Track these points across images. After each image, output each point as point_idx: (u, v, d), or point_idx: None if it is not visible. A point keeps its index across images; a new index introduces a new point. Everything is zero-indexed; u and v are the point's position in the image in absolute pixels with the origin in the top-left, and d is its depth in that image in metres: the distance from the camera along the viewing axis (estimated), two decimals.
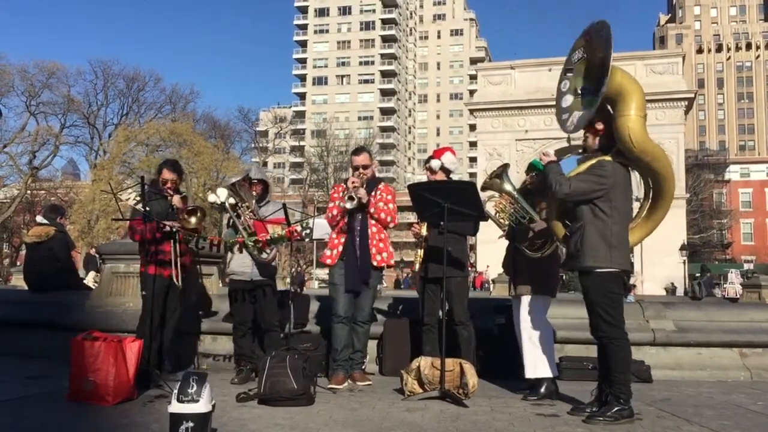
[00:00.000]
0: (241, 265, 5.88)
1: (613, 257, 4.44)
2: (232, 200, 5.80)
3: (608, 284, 4.45)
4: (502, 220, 5.42)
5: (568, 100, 4.80)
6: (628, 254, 4.61)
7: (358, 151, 6.02)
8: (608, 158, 4.55)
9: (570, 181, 4.48)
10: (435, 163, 5.91)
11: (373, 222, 5.78)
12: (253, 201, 5.92)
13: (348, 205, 5.60)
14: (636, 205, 4.85)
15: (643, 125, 4.51)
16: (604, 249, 4.42)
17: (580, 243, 4.48)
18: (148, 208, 5.38)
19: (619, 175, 4.52)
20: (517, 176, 6.09)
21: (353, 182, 5.68)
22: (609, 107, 4.61)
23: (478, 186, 5.60)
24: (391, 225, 5.89)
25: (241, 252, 5.76)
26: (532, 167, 5.40)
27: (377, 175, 6.15)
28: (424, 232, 5.70)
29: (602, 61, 4.45)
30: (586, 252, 4.45)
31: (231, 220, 5.87)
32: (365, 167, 5.85)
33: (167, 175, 5.73)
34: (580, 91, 4.74)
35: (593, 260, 4.43)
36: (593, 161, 4.56)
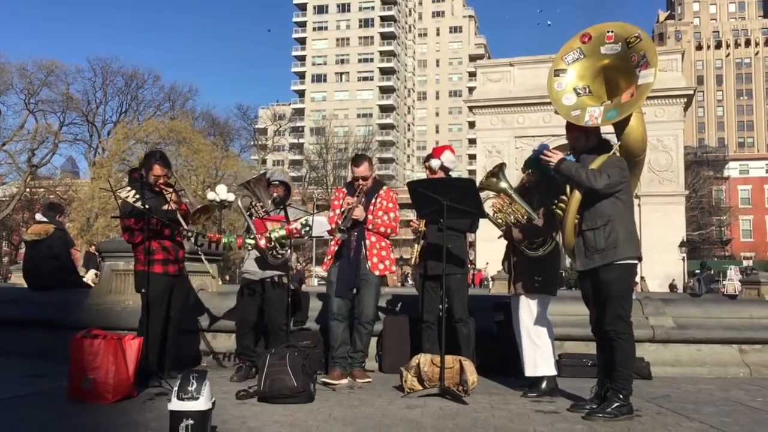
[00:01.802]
0: (254, 264, 5.88)
1: (638, 247, 4.53)
2: (246, 200, 5.78)
3: (631, 275, 4.52)
4: (500, 221, 5.40)
5: (570, 98, 4.80)
6: None
7: (357, 160, 5.90)
8: (617, 154, 4.59)
9: (603, 172, 4.42)
10: (435, 163, 5.88)
11: (372, 232, 5.78)
12: (269, 201, 5.88)
13: (338, 236, 5.59)
14: None
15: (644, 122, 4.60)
16: (632, 240, 4.49)
17: (614, 237, 4.43)
18: (147, 206, 5.35)
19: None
20: (517, 173, 6.08)
21: (349, 203, 5.65)
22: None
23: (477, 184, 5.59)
24: (392, 235, 5.89)
25: (256, 250, 5.76)
26: (528, 164, 5.39)
27: (377, 172, 6.13)
28: (422, 227, 5.69)
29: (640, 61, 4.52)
30: (621, 244, 4.43)
31: (246, 222, 5.86)
32: (365, 178, 5.81)
33: (159, 171, 5.56)
34: (580, 91, 4.76)
35: (628, 251, 4.45)
36: (605, 157, 4.53)
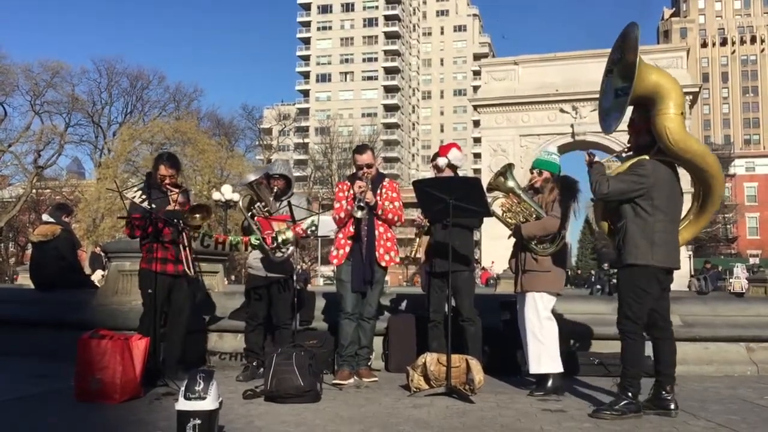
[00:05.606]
0: (258, 261, 5.90)
1: (654, 253, 4.42)
2: (247, 199, 5.78)
3: (638, 279, 4.44)
4: (509, 220, 5.41)
5: (609, 99, 4.80)
6: (674, 252, 4.55)
7: (360, 149, 5.93)
8: (647, 157, 4.55)
9: (609, 181, 4.50)
10: (442, 161, 5.89)
11: (380, 222, 5.77)
12: (271, 198, 5.89)
13: (359, 215, 5.56)
14: (687, 199, 4.80)
15: (682, 122, 4.49)
16: (645, 245, 4.43)
17: (622, 241, 4.51)
18: (153, 205, 5.36)
19: (660, 174, 4.50)
20: (522, 172, 6.07)
21: (360, 186, 5.62)
22: (648, 106, 4.57)
23: (484, 183, 5.58)
24: (398, 224, 5.89)
25: (257, 249, 5.77)
26: (536, 165, 5.41)
27: (381, 172, 6.12)
28: (426, 222, 5.71)
29: (631, 65, 4.45)
30: (628, 249, 4.46)
31: (245, 221, 5.87)
32: (369, 166, 5.82)
33: (164, 171, 5.58)
34: (617, 92, 4.74)
35: (633, 256, 4.44)
36: (633, 161, 4.59)
